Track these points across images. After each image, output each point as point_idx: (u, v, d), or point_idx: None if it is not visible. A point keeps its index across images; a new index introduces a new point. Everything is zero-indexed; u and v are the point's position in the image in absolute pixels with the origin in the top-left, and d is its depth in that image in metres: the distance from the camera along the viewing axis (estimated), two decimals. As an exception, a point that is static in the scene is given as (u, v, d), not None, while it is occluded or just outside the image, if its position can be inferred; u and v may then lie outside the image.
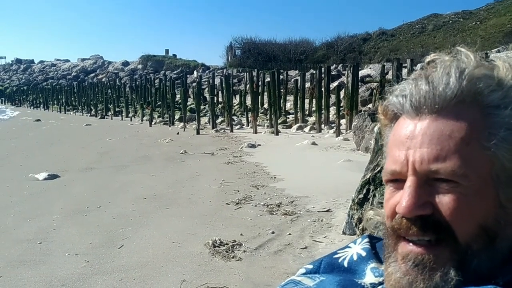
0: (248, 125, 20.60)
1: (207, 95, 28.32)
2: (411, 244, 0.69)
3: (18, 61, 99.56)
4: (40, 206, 6.81)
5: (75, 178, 9.01)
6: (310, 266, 0.90)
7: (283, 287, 0.82)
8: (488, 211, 0.66)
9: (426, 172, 0.66)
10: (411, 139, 0.69)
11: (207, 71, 58.50)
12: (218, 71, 54.47)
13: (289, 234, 5.16)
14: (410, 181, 0.68)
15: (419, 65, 0.74)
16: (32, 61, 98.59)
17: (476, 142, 0.66)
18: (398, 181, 0.71)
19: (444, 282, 0.65)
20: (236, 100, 28.37)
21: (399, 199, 0.69)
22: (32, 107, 52.29)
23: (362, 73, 26.87)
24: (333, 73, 28.69)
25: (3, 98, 67.55)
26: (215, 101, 24.04)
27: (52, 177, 8.93)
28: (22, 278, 4.14)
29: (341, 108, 16.88)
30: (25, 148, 14.49)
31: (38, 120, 29.40)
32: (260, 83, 28.35)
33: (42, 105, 50.21)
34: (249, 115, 20.32)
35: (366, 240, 0.87)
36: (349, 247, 0.89)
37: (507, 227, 0.67)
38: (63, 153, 13.02)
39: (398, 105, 0.72)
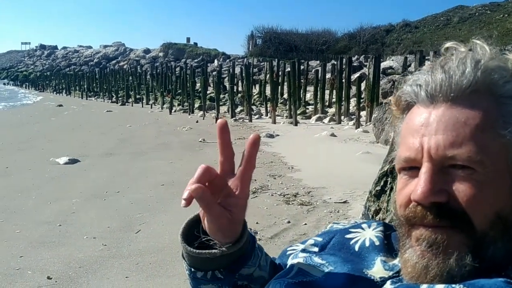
0: (267, 115, 20.57)
1: (227, 84, 28.36)
2: (424, 228, 0.68)
3: (42, 47, 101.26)
4: (60, 189, 6.94)
5: (95, 163, 9.15)
6: (319, 239, 0.90)
7: (293, 280, 0.80)
8: (504, 198, 0.66)
9: (442, 159, 0.66)
10: (426, 126, 0.68)
11: (227, 60, 58.54)
12: (239, 60, 54.44)
13: (305, 224, 5.17)
14: (425, 168, 0.67)
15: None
16: (55, 47, 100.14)
17: (491, 129, 0.66)
18: (412, 169, 0.70)
19: (459, 267, 0.65)
20: (255, 90, 28.33)
21: (414, 187, 0.68)
22: (55, 92, 53.07)
23: (384, 65, 26.57)
24: (354, 64, 28.42)
25: (27, 83, 68.74)
26: (234, 90, 24.04)
27: (73, 161, 9.08)
28: (42, 259, 4.24)
29: (361, 100, 16.73)
30: (47, 132, 14.75)
31: (60, 105, 29.83)
32: (280, 73, 28.22)
33: (64, 91, 50.89)
34: (268, 105, 20.27)
35: (381, 228, 0.86)
36: (362, 228, 0.88)
37: None
38: (84, 138, 13.22)
39: (413, 94, 0.72)
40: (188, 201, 0.71)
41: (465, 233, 0.65)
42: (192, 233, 0.81)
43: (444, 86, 0.68)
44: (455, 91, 0.68)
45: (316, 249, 0.88)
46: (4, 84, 76.36)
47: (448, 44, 0.73)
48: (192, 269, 0.82)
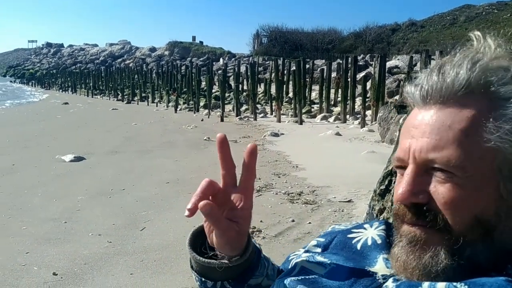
0: (272, 114, 20.57)
1: (232, 82, 28.35)
2: (407, 225, 0.71)
3: (49, 45, 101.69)
4: (66, 187, 6.98)
5: (101, 161, 9.19)
6: (322, 239, 0.91)
7: (296, 277, 0.82)
8: (486, 203, 0.66)
9: (424, 161, 0.68)
10: (416, 128, 0.70)
11: (233, 59, 58.51)
12: (244, 59, 54.38)
13: (309, 223, 5.18)
14: (409, 169, 0.69)
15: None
16: (61, 45, 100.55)
17: (478, 134, 0.65)
18: (403, 168, 0.72)
19: (434, 262, 0.67)
20: (260, 89, 28.33)
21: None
22: (61, 90, 53.16)
23: (389, 64, 26.51)
24: (360, 63, 28.37)
25: (33, 81, 68.96)
26: (240, 89, 24.04)
27: (78, 159, 9.13)
28: (48, 255, 4.27)
29: (367, 99, 16.70)
30: (53, 130, 14.83)
31: (66, 103, 29.90)
32: (285, 71, 28.21)
33: (70, 89, 50.97)
34: (273, 103, 20.27)
35: (383, 227, 0.86)
36: (364, 228, 0.88)
37: (509, 220, 0.67)
38: (90, 136, 13.28)
39: (411, 95, 0.73)
40: (192, 212, 0.73)
41: (442, 233, 0.67)
42: (198, 243, 0.84)
43: (435, 88, 0.69)
44: (446, 93, 0.68)
45: (319, 249, 0.89)
46: (11, 81, 76.71)
47: (474, 33, 0.73)
48: (203, 279, 0.85)
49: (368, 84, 17.66)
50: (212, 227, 0.78)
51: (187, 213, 0.73)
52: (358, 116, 16.57)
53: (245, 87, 28.32)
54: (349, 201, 5.98)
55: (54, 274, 3.87)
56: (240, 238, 0.79)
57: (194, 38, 77.39)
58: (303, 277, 0.81)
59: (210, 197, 0.76)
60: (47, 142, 11.74)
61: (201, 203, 0.72)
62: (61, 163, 8.82)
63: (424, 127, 0.69)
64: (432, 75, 0.70)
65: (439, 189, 0.67)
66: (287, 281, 0.81)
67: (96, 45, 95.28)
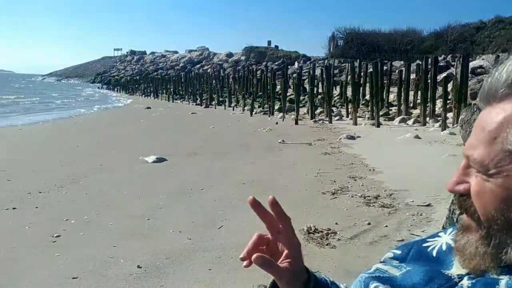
0: (347, 117, 20.28)
1: (307, 86, 28.29)
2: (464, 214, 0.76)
3: (132, 52, 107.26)
4: (148, 186, 7.35)
5: (181, 162, 9.56)
6: (398, 252, 0.92)
7: (370, 274, 0.85)
8: (506, 201, 0.67)
9: (466, 157, 0.73)
10: (474, 127, 0.74)
11: (308, 62, 58.38)
12: (319, 62, 54.03)
13: (386, 226, 5.08)
14: (461, 163, 0.75)
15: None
16: (144, 53, 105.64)
17: (503, 136, 0.67)
18: None
19: (468, 246, 0.73)
20: (336, 91, 28.03)
21: None
22: (144, 95, 55.67)
23: (473, 64, 25.17)
24: (441, 64, 27.20)
25: (118, 87, 72.90)
26: (314, 92, 23.95)
27: (160, 160, 9.56)
28: (133, 249, 4.54)
29: (448, 101, 15.98)
30: (137, 133, 15.61)
31: (149, 107, 31.27)
32: (362, 74, 27.71)
33: (152, 94, 53.22)
34: (349, 106, 19.97)
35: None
36: (439, 236, 0.89)
37: None
38: (171, 138, 13.84)
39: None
40: (247, 263, 0.85)
41: (475, 221, 0.72)
42: None
43: (484, 89, 0.71)
44: (489, 95, 0.70)
45: (396, 262, 0.90)
46: (98, 88, 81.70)
47: None
48: None
49: (450, 86, 16.91)
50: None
51: (244, 263, 0.85)
52: (439, 118, 15.91)
53: (320, 90, 28.16)
54: (428, 205, 5.79)
55: (139, 266, 4.11)
56: (297, 275, 0.87)
57: (269, 42, 78.09)
58: (378, 275, 0.84)
59: (265, 247, 0.87)
60: (131, 144, 12.37)
61: (254, 257, 0.82)
62: (144, 164, 9.29)
63: (475, 127, 0.73)
64: (489, 75, 0.72)
65: (472, 182, 0.71)
66: (362, 277, 0.84)
67: (176, 52, 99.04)
